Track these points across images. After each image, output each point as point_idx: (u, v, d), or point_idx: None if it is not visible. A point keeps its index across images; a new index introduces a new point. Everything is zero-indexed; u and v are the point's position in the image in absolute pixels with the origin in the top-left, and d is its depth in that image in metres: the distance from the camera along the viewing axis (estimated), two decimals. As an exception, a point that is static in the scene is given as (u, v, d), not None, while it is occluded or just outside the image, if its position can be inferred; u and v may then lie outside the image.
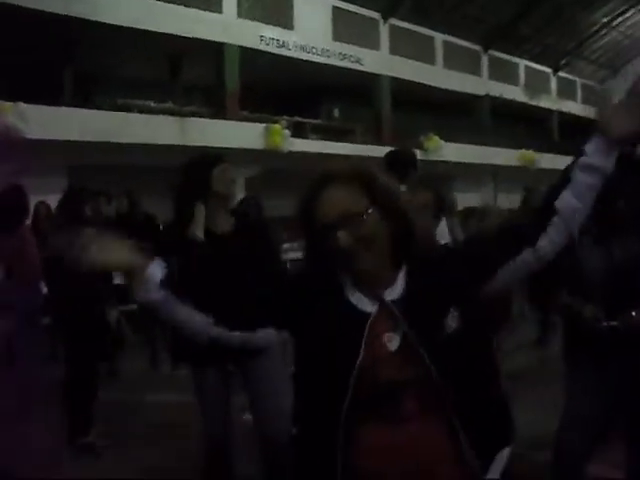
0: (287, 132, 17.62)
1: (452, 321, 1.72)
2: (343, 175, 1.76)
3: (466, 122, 26.49)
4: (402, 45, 23.68)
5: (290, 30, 19.78)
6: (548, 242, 1.79)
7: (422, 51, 24.65)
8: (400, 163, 4.62)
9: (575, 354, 3.08)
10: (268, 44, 19.10)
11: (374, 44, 22.79)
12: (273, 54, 19.28)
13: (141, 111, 15.51)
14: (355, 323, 1.73)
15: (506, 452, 1.80)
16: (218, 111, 17.62)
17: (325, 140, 19.87)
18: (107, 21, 15.13)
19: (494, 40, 27.24)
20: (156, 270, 1.81)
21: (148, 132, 14.75)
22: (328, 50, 20.96)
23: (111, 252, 1.78)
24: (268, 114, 18.50)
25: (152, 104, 16.13)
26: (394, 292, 1.77)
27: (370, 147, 20.85)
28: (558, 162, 27.12)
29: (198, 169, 3.40)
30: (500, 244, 1.88)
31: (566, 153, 28.43)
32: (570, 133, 31.85)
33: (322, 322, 1.77)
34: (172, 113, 16.00)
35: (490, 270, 1.83)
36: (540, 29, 27.94)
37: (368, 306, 1.76)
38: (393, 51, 23.41)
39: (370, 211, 1.73)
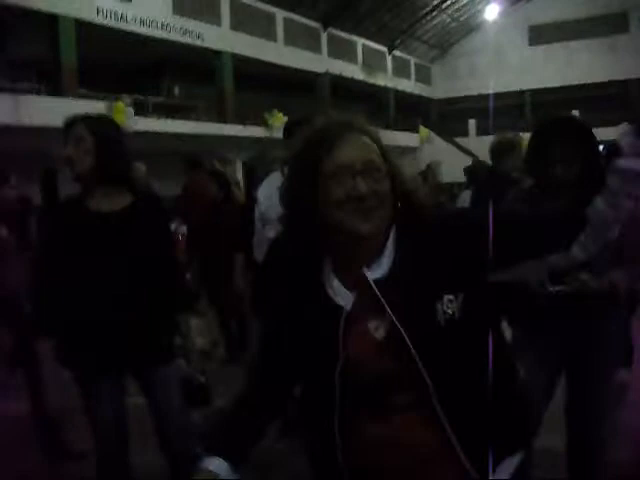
0: (130, 110, 16.95)
1: (447, 307, 1.51)
2: (362, 128, 1.61)
3: (307, 99, 26.74)
4: (243, 21, 23.45)
5: (128, 2, 18.96)
6: (581, 250, 1.65)
7: (263, 28, 24.56)
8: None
9: (522, 323, 3.01)
10: (106, 17, 18.23)
11: (215, 19, 22.40)
12: (111, 28, 18.42)
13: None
14: (331, 320, 1.57)
15: (514, 460, 1.60)
16: (55, 88, 16.63)
17: (167, 118, 19.36)
18: None
19: (333, 18, 27.59)
20: None
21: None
22: (168, 25, 20.33)
23: None
24: (107, 91, 17.70)
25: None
26: (380, 268, 1.56)
27: (214, 125, 20.61)
28: (395, 138, 28.20)
29: None
30: (531, 238, 1.63)
31: (402, 129, 29.60)
32: (405, 110, 33.12)
33: (297, 316, 1.63)
34: (3, 90, 14.89)
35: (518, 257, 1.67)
36: (376, 8, 28.62)
37: (345, 297, 1.58)
38: (234, 27, 23.13)
39: (385, 170, 1.57)
